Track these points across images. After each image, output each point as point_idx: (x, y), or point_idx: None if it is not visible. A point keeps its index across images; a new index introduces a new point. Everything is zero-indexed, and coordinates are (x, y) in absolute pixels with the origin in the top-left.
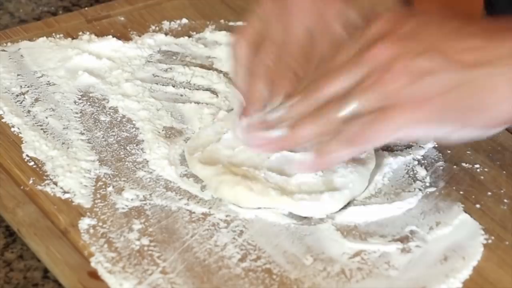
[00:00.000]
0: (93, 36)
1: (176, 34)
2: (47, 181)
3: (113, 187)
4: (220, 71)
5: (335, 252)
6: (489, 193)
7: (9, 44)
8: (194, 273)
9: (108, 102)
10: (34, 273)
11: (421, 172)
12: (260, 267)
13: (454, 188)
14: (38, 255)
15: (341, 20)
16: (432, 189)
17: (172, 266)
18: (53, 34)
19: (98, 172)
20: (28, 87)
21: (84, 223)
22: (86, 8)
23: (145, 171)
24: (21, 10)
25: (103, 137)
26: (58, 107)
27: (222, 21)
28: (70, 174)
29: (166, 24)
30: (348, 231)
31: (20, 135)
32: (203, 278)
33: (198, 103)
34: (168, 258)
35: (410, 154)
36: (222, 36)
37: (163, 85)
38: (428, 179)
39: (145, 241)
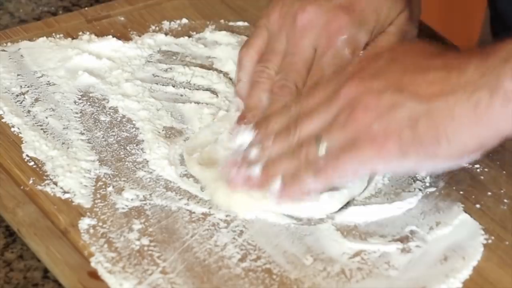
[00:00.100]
0: (93, 36)
1: (176, 34)
2: (47, 181)
3: (113, 187)
4: (220, 71)
5: (335, 252)
6: (489, 193)
7: (9, 44)
8: (194, 273)
9: (108, 102)
10: (34, 273)
11: (421, 172)
12: (260, 267)
13: (454, 188)
14: (38, 255)
15: (344, 37)
16: (432, 189)
17: (172, 266)
18: (53, 34)
19: (98, 172)
20: (28, 87)
21: (84, 223)
22: (86, 8)
23: (145, 171)
24: (21, 10)
25: (103, 137)
26: (58, 107)
27: (222, 21)
28: (70, 174)
29: (166, 24)
30: (348, 231)
31: (20, 135)
32: (203, 278)
33: (198, 103)
34: (168, 258)
35: None
36: (222, 36)
37: (163, 85)
38: (428, 179)
39: (145, 241)
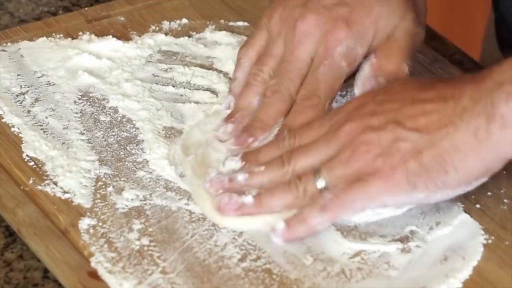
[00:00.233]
0: (93, 36)
1: (176, 34)
2: (47, 181)
3: (113, 187)
4: (220, 71)
5: (335, 252)
6: (489, 193)
7: (9, 44)
8: (194, 273)
9: (108, 102)
10: (34, 273)
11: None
12: (260, 267)
13: None
14: (38, 255)
15: (342, 49)
16: None
17: (172, 266)
18: (53, 34)
19: (98, 172)
20: (28, 87)
21: (84, 223)
22: (86, 8)
23: (145, 171)
24: (21, 10)
25: (103, 137)
26: (58, 107)
27: (222, 21)
28: (70, 174)
29: (166, 24)
30: (348, 231)
31: (20, 135)
32: (203, 278)
33: (198, 103)
34: (168, 258)
35: None
36: (222, 36)
37: (163, 85)
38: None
39: (145, 241)
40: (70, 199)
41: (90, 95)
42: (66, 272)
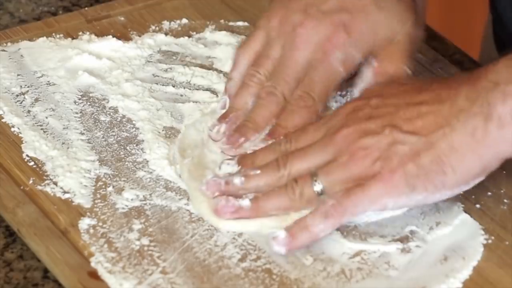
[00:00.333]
0: (93, 36)
1: (176, 34)
2: (47, 181)
3: (113, 187)
4: (220, 71)
5: (335, 252)
6: (489, 193)
7: (9, 44)
8: (194, 273)
9: (108, 102)
10: (34, 273)
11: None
12: (260, 267)
13: None
14: (38, 255)
15: (340, 54)
16: None
17: (172, 266)
18: (53, 34)
19: (98, 172)
20: (28, 87)
21: (84, 223)
22: (86, 8)
23: (145, 171)
24: (21, 10)
25: (103, 137)
26: (58, 107)
27: (222, 21)
28: (70, 174)
29: (166, 24)
30: (348, 231)
31: (20, 135)
32: (203, 278)
33: (198, 103)
34: (168, 258)
35: None
36: (222, 36)
37: (163, 85)
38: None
39: (145, 241)
40: (70, 199)
41: (90, 95)
42: (66, 272)
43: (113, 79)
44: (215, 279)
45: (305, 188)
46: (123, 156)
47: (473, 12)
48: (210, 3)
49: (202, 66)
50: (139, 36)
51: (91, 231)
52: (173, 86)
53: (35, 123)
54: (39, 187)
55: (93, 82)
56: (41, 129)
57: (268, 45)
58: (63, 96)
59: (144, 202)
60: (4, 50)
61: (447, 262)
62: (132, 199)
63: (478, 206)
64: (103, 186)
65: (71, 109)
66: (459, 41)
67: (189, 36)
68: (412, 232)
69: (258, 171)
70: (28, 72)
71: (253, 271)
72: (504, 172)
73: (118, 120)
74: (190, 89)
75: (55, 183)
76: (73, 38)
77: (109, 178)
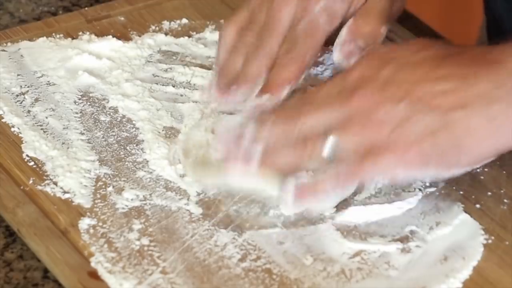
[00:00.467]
0: (93, 36)
1: (176, 34)
2: (47, 181)
3: (113, 187)
4: None
5: (335, 252)
6: (489, 193)
7: (9, 44)
8: (194, 273)
9: (108, 102)
10: (34, 273)
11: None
12: (260, 267)
13: (454, 188)
14: (38, 255)
15: (321, 5)
16: (432, 189)
17: (172, 266)
18: (53, 34)
19: (98, 172)
20: (28, 87)
21: (84, 223)
22: (86, 8)
23: (145, 171)
24: (21, 10)
25: (103, 137)
26: (58, 107)
27: (222, 21)
28: (70, 174)
29: (166, 24)
30: (348, 231)
31: (20, 135)
32: (203, 278)
33: (198, 103)
34: (168, 258)
35: None
36: None
37: (163, 85)
38: (428, 179)
39: (145, 241)
40: (70, 199)
41: (90, 95)
42: (66, 272)
43: (113, 79)
44: (215, 279)
45: (316, 148)
46: (123, 156)
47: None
48: (210, 3)
49: (202, 66)
50: (139, 36)
51: (91, 231)
52: (173, 86)
53: (35, 123)
54: (39, 187)
55: (93, 82)
56: (41, 129)
57: (252, 14)
58: (63, 96)
59: (144, 202)
60: (4, 50)
61: (447, 262)
62: (132, 199)
63: (478, 206)
64: (103, 186)
65: (71, 109)
66: (458, 41)
67: (189, 36)
68: (412, 232)
69: (270, 123)
70: (28, 72)
71: (253, 271)
72: (504, 172)
73: (118, 120)
74: (190, 89)
75: (55, 183)
76: (73, 38)
77: (109, 178)
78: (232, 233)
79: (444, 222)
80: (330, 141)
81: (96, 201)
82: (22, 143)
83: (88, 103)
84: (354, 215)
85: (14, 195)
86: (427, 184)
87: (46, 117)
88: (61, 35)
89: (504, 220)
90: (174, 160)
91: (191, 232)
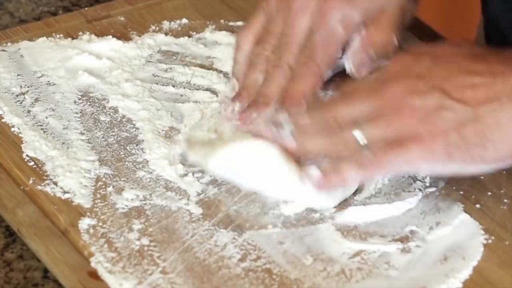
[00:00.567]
0: (93, 36)
1: (176, 34)
2: (47, 181)
3: (113, 187)
4: (220, 71)
5: (335, 252)
6: (489, 193)
7: (9, 44)
8: (194, 273)
9: (108, 102)
10: (34, 273)
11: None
12: (260, 267)
13: (454, 188)
14: (38, 255)
15: (338, 15)
16: (432, 189)
17: (172, 266)
18: (53, 34)
19: (98, 172)
20: (28, 87)
21: (84, 223)
22: (86, 8)
23: (145, 171)
24: (21, 10)
25: (103, 137)
26: (58, 107)
27: (222, 21)
28: (70, 174)
29: (166, 24)
30: (348, 231)
31: (20, 135)
32: (203, 278)
33: (198, 103)
34: (168, 258)
35: None
36: (222, 36)
37: (163, 85)
38: (428, 179)
39: (145, 241)
40: (70, 199)
41: (90, 95)
42: (66, 272)
43: (113, 79)
44: (215, 279)
45: (347, 136)
46: (123, 156)
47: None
48: (210, 3)
49: (202, 66)
50: (139, 36)
51: (91, 231)
52: (173, 86)
53: (35, 123)
54: (39, 187)
55: (93, 82)
56: (41, 129)
57: (269, 22)
58: (63, 96)
59: (144, 202)
60: (4, 50)
61: (447, 262)
62: (132, 199)
63: (478, 206)
64: (103, 186)
65: (71, 109)
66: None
67: (189, 36)
68: (412, 232)
69: (304, 111)
70: (28, 72)
71: (253, 271)
72: (504, 172)
73: (118, 120)
74: (190, 89)
75: (55, 183)
76: (73, 38)
77: (109, 178)
78: (232, 233)
79: (444, 222)
80: (361, 129)
81: (96, 201)
82: (22, 143)
83: (88, 103)
84: (354, 215)
85: (14, 195)
86: (427, 184)
87: (46, 117)
88: (61, 35)
89: (504, 220)
90: (174, 160)
91: (191, 232)
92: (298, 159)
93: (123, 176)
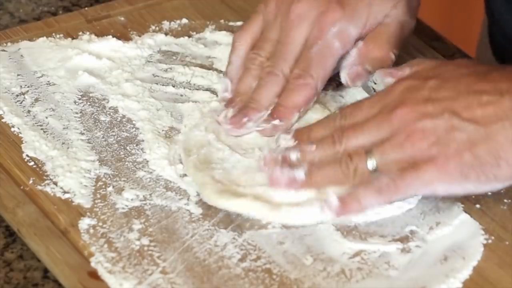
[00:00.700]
0: (93, 36)
1: (176, 34)
2: (47, 181)
3: (113, 187)
4: (220, 71)
5: (335, 252)
6: (489, 193)
7: (9, 44)
8: (194, 273)
9: (108, 102)
10: (34, 273)
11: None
12: (260, 267)
13: None
14: (38, 255)
15: (335, 29)
16: None
17: (172, 266)
18: (53, 34)
19: (98, 172)
20: (28, 87)
21: (84, 223)
22: (86, 8)
23: (145, 171)
24: (21, 10)
25: (103, 137)
26: (58, 107)
27: (222, 21)
28: (70, 174)
29: (166, 24)
30: (348, 231)
31: (20, 135)
32: (203, 278)
33: (197, 102)
34: (168, 258)
35: None
36: (222, 36)
37: (163, 85)
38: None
39: (145, 241)
40: (70, 199)
41: (90, 95)
42: (66, 272)
43: (113, 79)
44: (215, 279)
45: (360, 165)
46: (123, 156)
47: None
48: (210, 3)
49: (202, 66)
50: (139, 36)
51: (91, 231)
52: (173, 86)
53: (35, 123)
54: (39, 187)
55: (93, 82)
56: (41, 129)
57: (266, 28)
58: (63, 96)
59: (144, 202)
60: (4, 50)
61: (447, 262)
62: (132, 199)
63: (478, 206)
64: (103, 186)
65: (71, 109)
66: (458, 41)
67: (189, 36)
68: (412, 232)
69: (314, 147)
70: (28, 72)
71: (253, 271)
72: None
73: (118, 120)
74: (190, 89)
75: (55, 183)
76: (73, 38)
77: (109, 178)
78: (232, 233)
79: (444, 222)
80: (373, 156)
81: (96, 201)
82: (22, 143)
83: (88, 103)
84: (354, 215)
85: (14, 195)
86: None
87: (46, 117)
88: (61, 35)
89: (504, 220)
90: (174, 160)
91: (191, 232)
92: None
93: (123, 176)
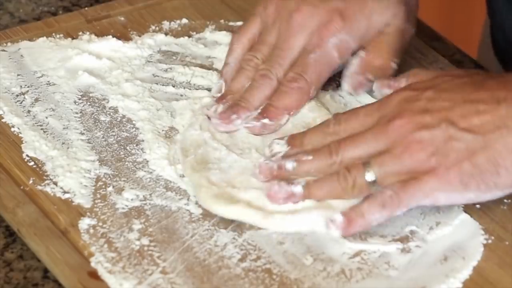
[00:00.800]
0: (93, 36)
1: (176, 34)
2: (47, 181)
3: (113, 187)
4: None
5: (335, 252)
6: None
7: (9, 44)
8: (194, 273)
9: (108, 102)
10: (34, 273)
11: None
12: (260, 267)
13: None
14: (38, 255)
15: (335, 40)
16: None
17: (172, 266)
18: (53, 34)
19: (98, 172)
20: (28, 87)
21: (84, 223)
22: (86, 8)
23: (145, 171)
24: (21, 10)
25: (103, 137)
26: (58, 107)
27: (222, 21)
28: (70, 174)
29: (166, 24)
30: None
31: (20, 135)
32: (203, 278)
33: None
34: (168, 258)
35: None
36: (222, 36)
37: (163, 85)
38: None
39: (145, 241)
40: (70, 199)
41: (90, 95)
42: (66, 272)
43: (113, 79)
44: (215, 279)
45: (358, 178)
46: (123, 156)
47: (474, 13)
48: (210, 3)
49: (202, 66)
50: (139, 36)
51: (91, 231)
52: (173, 86)
53: (35, 123)
54: (39, 187)
55: (93, 82)
56: (41, 129)
57: (264, 31)
58: (63, 96)
59: (144, 202)
60: (4, 50)
61: (447, 262)
62: (132, 199)
63: (478, 206)
64: (103, 186)
65: (71, 109)
66: (458, 41)
67: (189, 36)
68: (412, 232)
69: (310, 157)
70: (28, 72)
71: (253, 271)
72: None
73: (118, 120)
74: (190, 89)
75: (55, 183)
76: (73, 38)
77: (109, 178)
78: (232, 233)
79: (444, 222)
80: (371, 168)
81: (96, 201)
82: (22, 143)
83: (88, 103)
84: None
85: (14, 195)
86: None
87: (46, 117)
88: (61, 35)
89: (504, 220)
90: (174, 160)
91: (191, 232)
92: None
93: (123, 176)
